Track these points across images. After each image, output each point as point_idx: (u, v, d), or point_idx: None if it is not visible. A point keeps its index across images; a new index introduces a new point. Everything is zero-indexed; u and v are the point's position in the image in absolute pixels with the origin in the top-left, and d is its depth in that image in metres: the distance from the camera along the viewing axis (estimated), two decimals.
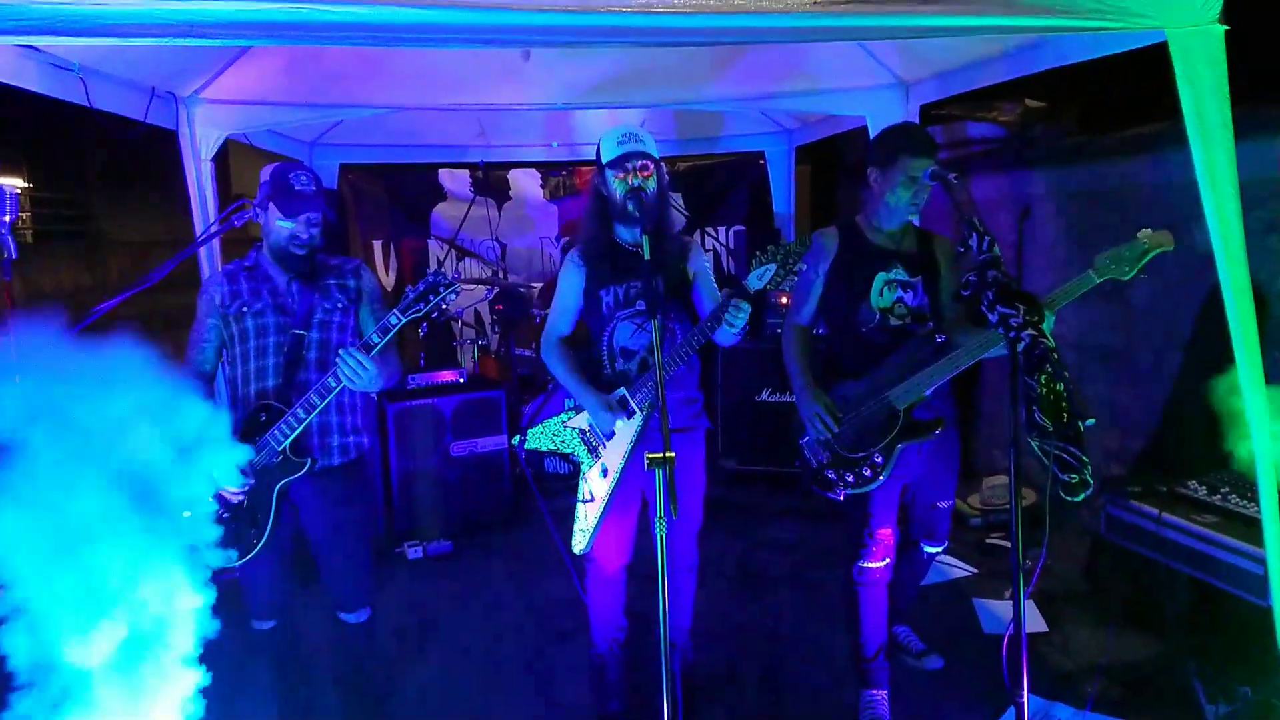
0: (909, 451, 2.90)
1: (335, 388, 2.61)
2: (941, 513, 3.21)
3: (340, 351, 2.58)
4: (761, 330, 5.71)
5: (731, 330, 2.70)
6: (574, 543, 2.99)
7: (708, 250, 7.00)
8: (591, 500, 2.96)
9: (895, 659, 3.32)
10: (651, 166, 2.91)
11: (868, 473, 2.88)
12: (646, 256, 2.64)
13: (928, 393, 2.84)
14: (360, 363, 2.56)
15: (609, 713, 3.18)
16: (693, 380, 3.08)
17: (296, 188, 2.67)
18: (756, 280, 2.67)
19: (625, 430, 2.91)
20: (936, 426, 2.87)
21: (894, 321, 2.97)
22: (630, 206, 2.84)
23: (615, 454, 2.92)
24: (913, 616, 3.62)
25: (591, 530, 2.95)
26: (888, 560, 3.03)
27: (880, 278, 2.98)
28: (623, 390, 2.91)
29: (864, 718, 3.05)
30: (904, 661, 3.49)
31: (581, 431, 3.01)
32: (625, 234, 3.01)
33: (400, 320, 2.59)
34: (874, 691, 3.07)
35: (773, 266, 2.66)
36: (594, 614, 3.19)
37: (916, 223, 3.11)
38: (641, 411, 2.88)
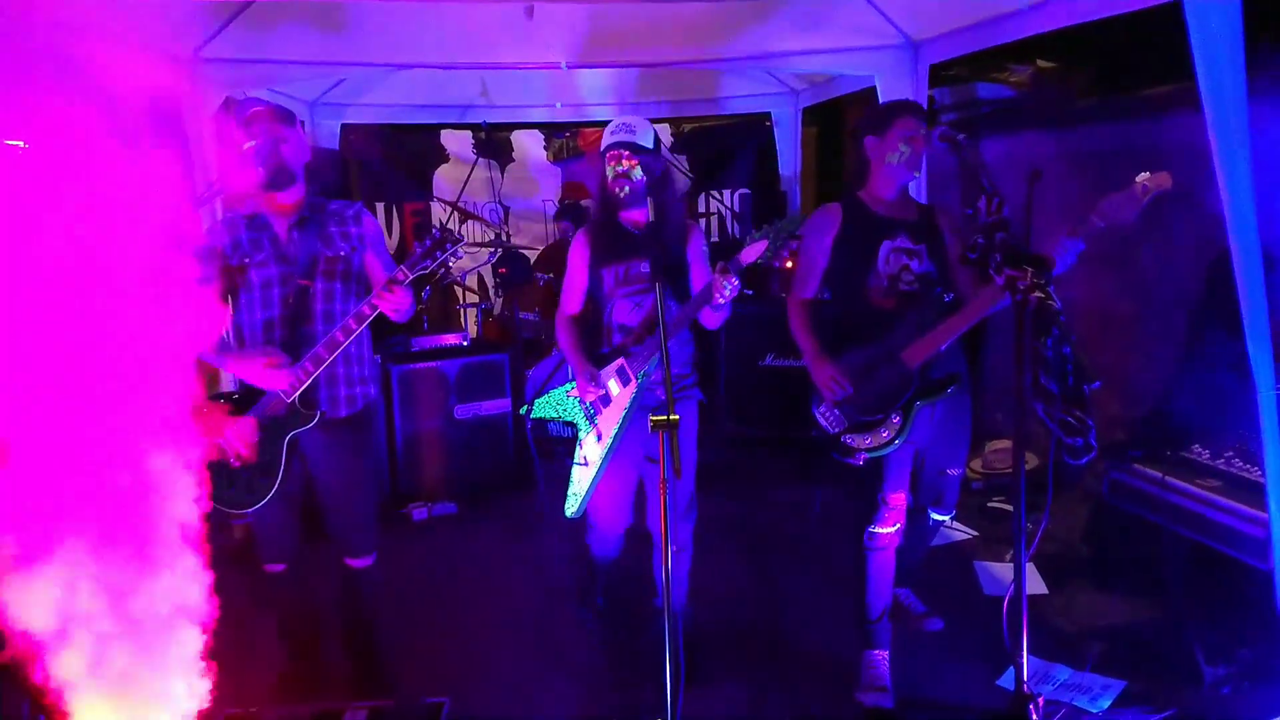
0: (922, 416, 2.93)
1: (343, 342, 2.66)
2: (950, 480, 3.22)
3: (379, 296, 2.65)
4: (766, 294, 5.70)
5: (720, 302, 2.78)
6: (567, 506, 3.10)
7: (712, 213, 6.97)
8: (586, 465, 3.06)
9: (897, 620, 3.36)
10: (638, 158, 2.98)
11: (886, 434, 2.90)
12: (651, 217, 2.69)
13: (942, 348, 2.86)
14: (400, 298, 2.65)
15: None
16: (684, 356, 3.15)
17: (250, 109, 2.71)
18: (748, 256, 2.76)
19: (621, 397, 3.02)
20: (951, 383, 2.90)
21: (902, 286, 3.00)
22: (616, 189, 2.98)
23: (610, 420, 3.03)
24: (915, 579, 3.64)
25: (584, 494, 3.05)
26: (898, 525, 3.05)
27: (885, 245, 3.01)
28: (622, 360, 3.02)
29: (865, 677, 3.08)
30: (905, 623, 3.52)
31: (582, 400, 3.10)
32: (628, 217, 3.09)
33: (408, 276, 2.63)
34: (876, 652, 3.10)
35: (764, 242, 2.74)
36: (596, 558, 3.43)
37: (921, 189, 3.11)
38: (637, 380, 2.98)
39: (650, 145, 3.03)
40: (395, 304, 2.67)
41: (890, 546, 3.06)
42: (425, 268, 2.64)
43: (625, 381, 3.02)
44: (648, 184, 2.98)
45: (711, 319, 2.99)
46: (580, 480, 3.07)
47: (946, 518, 3.36)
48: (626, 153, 2.98)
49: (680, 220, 3.15)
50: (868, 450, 2.93)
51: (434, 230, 2.67)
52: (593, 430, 3.07)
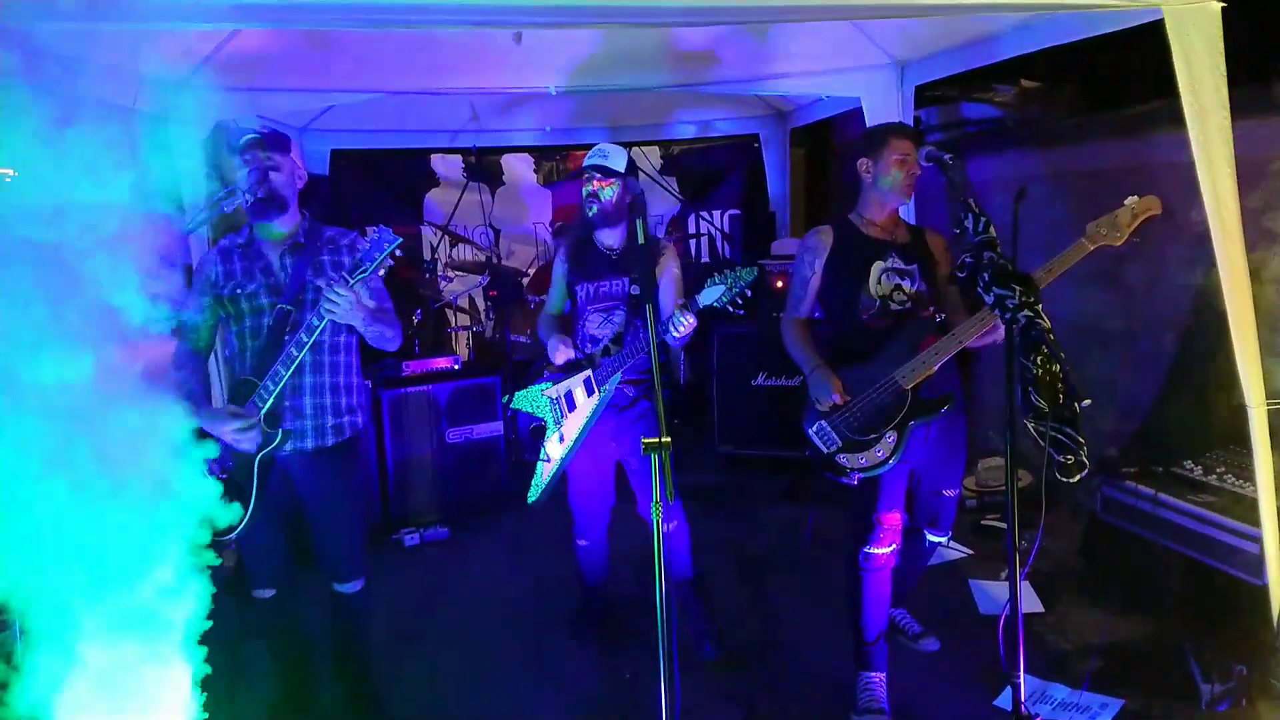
0: (916, 436, 2.91)
1: (297, 356, 2.65)
2: (946, 501, 3.20)
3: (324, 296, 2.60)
4: (758, 314, 5.70)
5: (675, 336, 3.02)
6: (529, 494, 3.41)
7: (702, 234, 6.99)
8: (548, 460, 3.38)
9: (892, 640, 3.35)
10: (611, 180, 3.23)
11: (881, 454, 2.89)
12: (641, 240, 2.71)
13: (935, 368, 2.86)
14: (338, 295, 2.57)
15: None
16: (645, 366, 3.30)
17: (242, 135, 2.72)
18: (705, 299, 2.97)
19: (585, 405, 3.28)
20: (945, 403, 2.89)
21: (894, 306, 3.01)
22: (588, 211, 3.27)
23: (573, 425, 3.31)
24: (910, 599, 3.63)
25: (544, 485, 3.38)
26: (894, 546, 3.02)
27: (877, 266, 3.03)
28: (589, 371, 3.27)
29: (862, 699, 3.06)
30: (901, 643, 3.50)
31: (552, 401, 3.37)
32: (603, 238, 3.37)
33: (350, 282, 2.59)
34: (872, 674, 3.08)
35: (721, 288, 2.94)
36: (583, 567, 3.69)
37: (911, 213, 3.14)
38: (600, 390, 3.23)
39: (621, 169, 3.23)
40: (340, 310, 2.58)
41: (886, 568, 3.04)
42: (365, 268, 2.58)
43: (590, 391, 3.26)
44: (621, 206, 3.25)
45: (674, 340, 3.13)
46: (542, 473, 3.39)
47: (943, 539, 3.35)
48: (598, 175, 3.22)
49: (651, 241, 3.17)
50: (862, 470, 2.92)
51: (373, 232, 2.61)
52: (557, 431, 3.35)
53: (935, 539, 3.32)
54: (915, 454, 2.98)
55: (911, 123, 4.66)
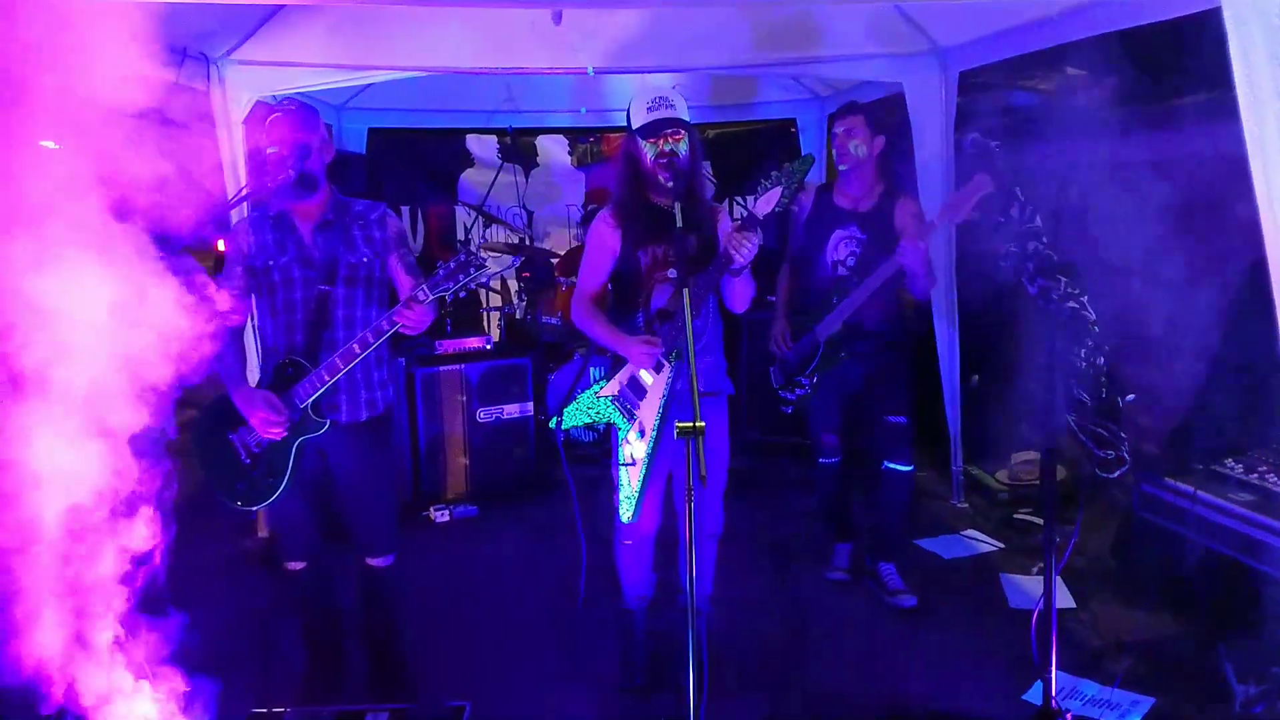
0: (836, 376, 3.67)
1: (360, 354, 2.67)
2: (892, 426, 3.64)
3: (399, 314, 2.64)
4: None
5: (740, 264, 2.70)
6: (622, 511, 2.99)
7: (736, 219, 6.93)
8: (634, 464, 2.94)
9: (870, 595, 3.82)
10: (683, 132, 2.87)
11: (802, 391, 3.75)
12: (679, 224, 2.63)
13: (836, 327, 3.56)
14: (418, 315, 2.65)
15: (634, 686, 3.21)
16: (719, 345, 3.11)
17: (271, 113, 2.75)
18: (764, 208, 2.66)
19: (656, 385, 2.92)
20: (840, 351, 3.61)
21: (841, 270, 3.61)
22: (662, 177, 2.81)
23: (650, 412, 2.92)
24: (898, 552, 3.89)
25: (637, 496, 2.95)
26: (836, 460, 3.89)
27: (837, 234, 3.63)
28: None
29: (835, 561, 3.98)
30: (879, 598, 3.72)
31: (614, 398, 2.99)
32: (659, 195, 2.98)
33: (429, 296, 2.60)
34: (841, 544, 4.06)
35: (779, 189, 2.65)
36: (624, 574, 3.25)
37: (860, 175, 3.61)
38: (669, 362, 2.86)
39: (688, 116, 2.89)
40: (414, 322, 2.65)
41: (834, 476, 3.93)
42: (446, 289, 2.59)
43: (658, 368, 2.90)
44: (688, 158, 2.87)
45: (738, 296, 2.93)
46: (631, 482, 2.95)
47: (907, 469, 3.71)
48: (675, 128, 2.83)
49: (709, 200, 3.07)
50: (791, 402, 3.80)
51: (460, 252, 2.61)
52: (634, 426, 2.94)
53: (897, 468, 3.70)
54: (846, 383, 3.71)
55: (955, 110, 4.59)
